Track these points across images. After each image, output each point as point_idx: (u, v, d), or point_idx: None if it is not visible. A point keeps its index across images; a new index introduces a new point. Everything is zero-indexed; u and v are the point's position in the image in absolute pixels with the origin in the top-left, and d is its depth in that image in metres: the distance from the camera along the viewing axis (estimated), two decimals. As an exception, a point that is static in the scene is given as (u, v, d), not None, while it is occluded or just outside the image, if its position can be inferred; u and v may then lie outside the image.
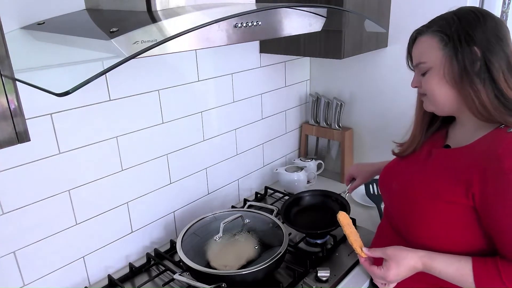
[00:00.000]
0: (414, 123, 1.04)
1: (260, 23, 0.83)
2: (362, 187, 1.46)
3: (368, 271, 0.95)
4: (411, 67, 0.96)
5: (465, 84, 0.83)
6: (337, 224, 1.25)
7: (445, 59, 0.85)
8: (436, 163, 0.93)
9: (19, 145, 0.60)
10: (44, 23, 0.87)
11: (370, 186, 1.51)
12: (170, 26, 0.68)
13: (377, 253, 0.93)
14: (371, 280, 1.14)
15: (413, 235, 0.94)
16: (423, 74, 0.90)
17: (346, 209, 1.28)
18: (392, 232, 1.04)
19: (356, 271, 1.17)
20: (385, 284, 0.93)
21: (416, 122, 1.03)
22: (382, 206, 1.40)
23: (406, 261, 0.88)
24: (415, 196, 0.93)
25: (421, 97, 0.95)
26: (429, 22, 0.90)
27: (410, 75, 0.97)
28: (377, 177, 1.56)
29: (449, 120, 1.00)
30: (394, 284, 0.93)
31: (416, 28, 0.92)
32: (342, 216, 1.03)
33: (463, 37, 0.82)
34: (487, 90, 0.82)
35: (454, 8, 0.89)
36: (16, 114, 0.59)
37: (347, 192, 1.31)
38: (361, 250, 0.96)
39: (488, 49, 0.81)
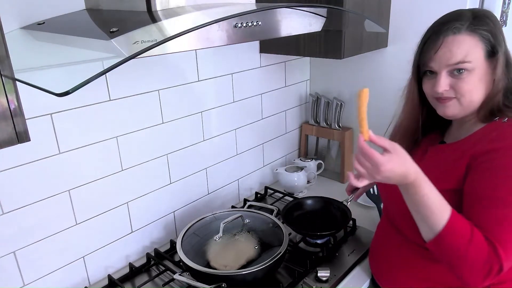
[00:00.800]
0: (406, 115, 1.02)
1: (260, 23, 0.83)
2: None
3: (367, 151, 0.81)
4: (432, 68, 0.88)
5: (495, 86, 0.86)
6: (336, 229, 1.26)
7: (485, 60, 0.85)
8: (432, 158, 0.94)
9: (19, 145, 0.60)
10: (44, 23, 0.87)
11: (370, 186, 1.51)
12: (170, 26, 0.68)
13: (384, 142, 0.82)
14: (372, 279, 1.14)
15: (415, 233, 0.92)
16: (455, 75, 0.85)
17: (348, 216, 1.28)
18: (393, 230, 1.03)
19: (356, 271, 1.17)
20: (370, 175, 0.81)
21: (411, 115, 1.01)
22: (382, 206, 1.40)
23: (408, 164, 0.79)
24: None
25: (445, 101, 0.89)
26: (454, 18, 0.85)
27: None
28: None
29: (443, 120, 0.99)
30: (374, 180, 0.82)
31: (440, 23, 0.87)
32: (365, 94, 0.91)
33: (499, 38, 0.85)
34: (502, 90, 0.86)
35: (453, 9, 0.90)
36: (16, 114, 0.59)
37: (350, 200, 1.28)
38: (367, 131, 0.86)
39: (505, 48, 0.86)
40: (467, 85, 0.85)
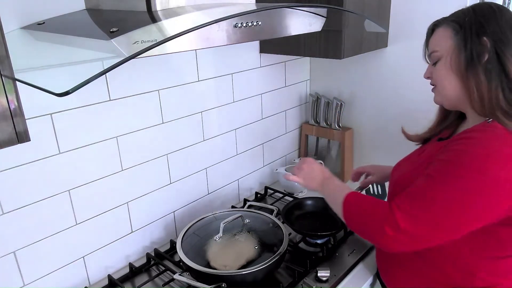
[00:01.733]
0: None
1: (260, 23, 0.83)
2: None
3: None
4: (427, 59, 0.97)
5: (469, 75, 0.84)
6: (336, 229, 1.26)
7: (454, 48, 0.86)
8: (426, 155, 0.96)
9: (19, 145, 0.60)
10: (44, 23, 0.87)
11: (370, 186, 1.51)
12: (170, 26, 0.68)
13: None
14: (376, 274, 1.14)
15: None
16: (434, 64, 0.91)
17: None
18: None
19: (356, 271, 1.17)
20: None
21: (436, 116, 1.06)
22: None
23: (316, 165, 1.10)
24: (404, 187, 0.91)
25: (432, 89, 0.96)
26: (449, 15, 0.91)
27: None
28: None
29: (462, 117, 1.00)
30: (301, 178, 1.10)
31: (435, 20, 0.93)
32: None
33: (475, 27, 0.83)
34: (491, 83, 0.82)
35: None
36: (16, 114, 0.59)
37: (359, 187, 1.29)
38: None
39: (501, 40, 0.81)
40: (436, 73, 0.91)
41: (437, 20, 0.92)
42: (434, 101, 0.97)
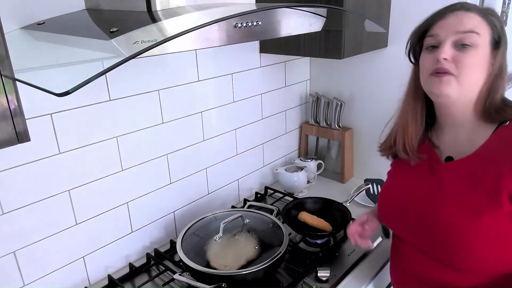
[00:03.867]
0: (406, 123, 0.94)
1: (260, 23, 0.83)
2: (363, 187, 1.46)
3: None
4: (438, 35, 0.82)
5: (498, 78, 0.82)
6: (336, 229, 1.26)
7: (490, 43, 0.81)
8: (453, 179, 0.85)
9: (19, 145, 0.60)
10: (44, 23, 0.87)
11: (370, 185, 1.51)
12: (170, 26, 0.68)
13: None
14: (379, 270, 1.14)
15: (464, 263, 0.83)
16: (459, 49, 0.80)
17: (348, 217, 1.28)
18: (425, 257, 0.91)
19: (356, 271, 1.17)
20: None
21: (412, 123, 0.94)
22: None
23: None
24: (446, 219, 0.84)
25: (442, 76, 0.81)
26: (461, 3, 0.84)
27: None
28: (377, 177, 1.57)
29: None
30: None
31: (447, 6, 0.85)
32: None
33: (504, 35, 0.83)
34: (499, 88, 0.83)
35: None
36: (16, 114, 0.59)
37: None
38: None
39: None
40: (469, 59, 0.79)
41: (463, 3, 0.84)
42: (441, 91, 0.82)
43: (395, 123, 1.00)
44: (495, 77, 0.82)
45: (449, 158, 0.90)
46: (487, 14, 0.82)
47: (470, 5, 0.83)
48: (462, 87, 0.81)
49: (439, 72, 0.81)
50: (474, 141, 0.85)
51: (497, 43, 0.82)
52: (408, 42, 0.93)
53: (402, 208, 0.95)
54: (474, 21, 0.80)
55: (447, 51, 0.80)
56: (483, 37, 0.79)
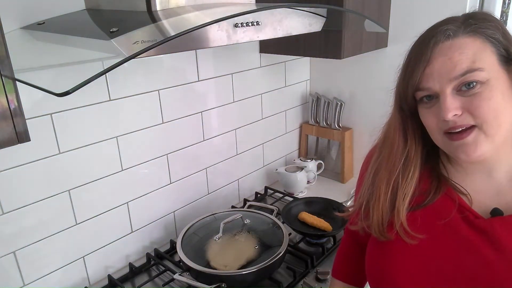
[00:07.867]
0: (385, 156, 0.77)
1: (260, 23, 0.83)
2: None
3: None
4: (430, 88, 0.63)
5: None
6: (336, 229, 1.26)
7: (501, 67, 0.61)
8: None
9: (19, 145, 0.60)
10: (44, 23, 0.87)
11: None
12: (170, 26, 0.68)
13: None
14: None
15: None
16: (465, 92, 0.60)
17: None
18: None
19: (356, 271, 1.17)
20: None
21: (390, 160, 0.76)
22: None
23: None
24: None
25: (463, 135, 0.61)
26: (450, 21, 0.64)
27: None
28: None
29: None
30: None
31: (426, 34, 0.65)
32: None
33: (510, 40, 0.63)
34: None
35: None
36: (16, 114, 0.59)
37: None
38: None
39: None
40: (484, 101, 0.59)
41: (444, 27, 0.63)
42: (471, 155, 0.61)
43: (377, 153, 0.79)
44: None
45: (496, 211, 0.65)
46: (479, 28, 0.61)
47: (454, 25, 0.62)
48: (495, 136, 0.61)
49: (455, 132, 0.61)
50: None
51: (508, 56, 0.62)
52: (394, 92, 0.76)
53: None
54: (468, 52, 0.60)
55: (451, 106, 0.60)
56: (487, 63, 0.60)
